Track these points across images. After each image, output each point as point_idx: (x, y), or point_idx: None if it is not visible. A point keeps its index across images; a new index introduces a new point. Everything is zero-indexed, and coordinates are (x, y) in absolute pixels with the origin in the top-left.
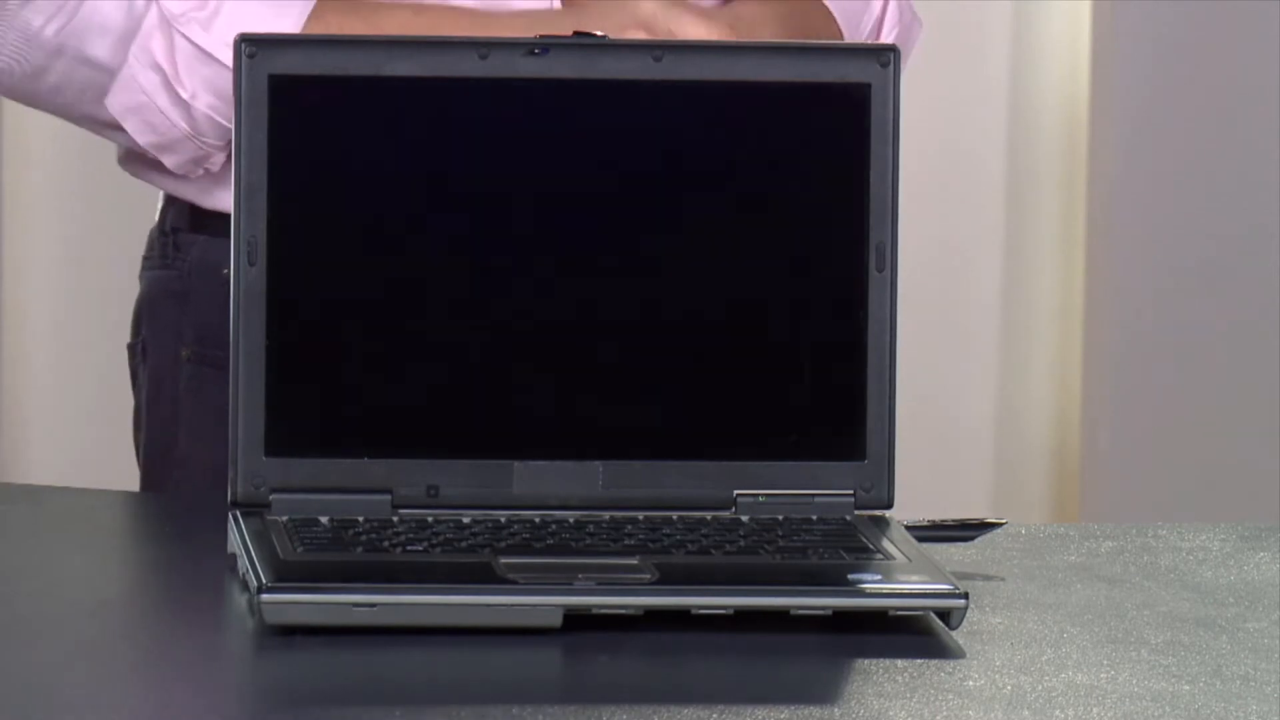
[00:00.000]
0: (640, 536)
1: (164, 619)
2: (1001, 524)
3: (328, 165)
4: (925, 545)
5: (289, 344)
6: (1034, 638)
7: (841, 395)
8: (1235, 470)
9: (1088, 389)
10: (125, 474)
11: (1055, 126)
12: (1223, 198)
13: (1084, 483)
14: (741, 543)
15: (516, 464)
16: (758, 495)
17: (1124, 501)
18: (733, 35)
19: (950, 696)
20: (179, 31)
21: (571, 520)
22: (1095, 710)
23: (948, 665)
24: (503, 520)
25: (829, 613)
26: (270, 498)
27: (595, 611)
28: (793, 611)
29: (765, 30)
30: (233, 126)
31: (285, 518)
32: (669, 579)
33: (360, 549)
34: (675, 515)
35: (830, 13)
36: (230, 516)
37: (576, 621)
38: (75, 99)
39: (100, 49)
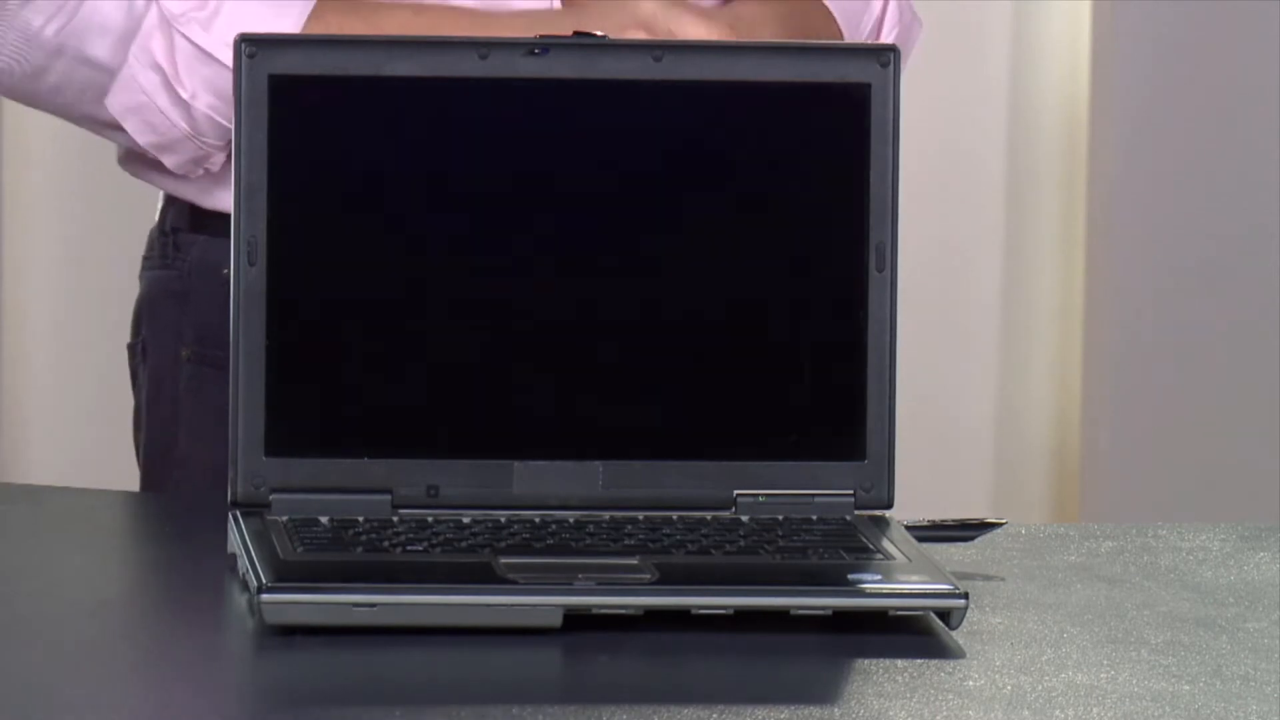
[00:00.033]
0: (640, 536)
1: (164, 619)
2: (1001, 524)
3: (328, 165)
4: (925, 545)
5: (289, 344)
6: (1034, 638)
7: (841, 395)
8: (1235, 470)
9: (1088, 389)
10: (125, 474)
11: (1055, 126)
12: (1223, 198)
13: (1084, 483)
14: (741, 543)
15: (516, 464)
16: (758, 495)
17: (1124, 501)
18: (733, 35)
19: (950, 696)
20: (179, 31)
21: (571, 520)
22: (1095, 710)
23: (948, 665)
24: (503, 520)
25: (829, 613)
26: (270, 498)
27: (595, 611)
28: (793, 611)
29: (765, 30)
30: (233, 126)
31: (285, 518)
32: (669, 579)
33: (360, 549)
34: (675, 515)
35: (830, 13)
36: (230, 516)
37: (576, 621)
38: (75, 99)
39: (100, 49)
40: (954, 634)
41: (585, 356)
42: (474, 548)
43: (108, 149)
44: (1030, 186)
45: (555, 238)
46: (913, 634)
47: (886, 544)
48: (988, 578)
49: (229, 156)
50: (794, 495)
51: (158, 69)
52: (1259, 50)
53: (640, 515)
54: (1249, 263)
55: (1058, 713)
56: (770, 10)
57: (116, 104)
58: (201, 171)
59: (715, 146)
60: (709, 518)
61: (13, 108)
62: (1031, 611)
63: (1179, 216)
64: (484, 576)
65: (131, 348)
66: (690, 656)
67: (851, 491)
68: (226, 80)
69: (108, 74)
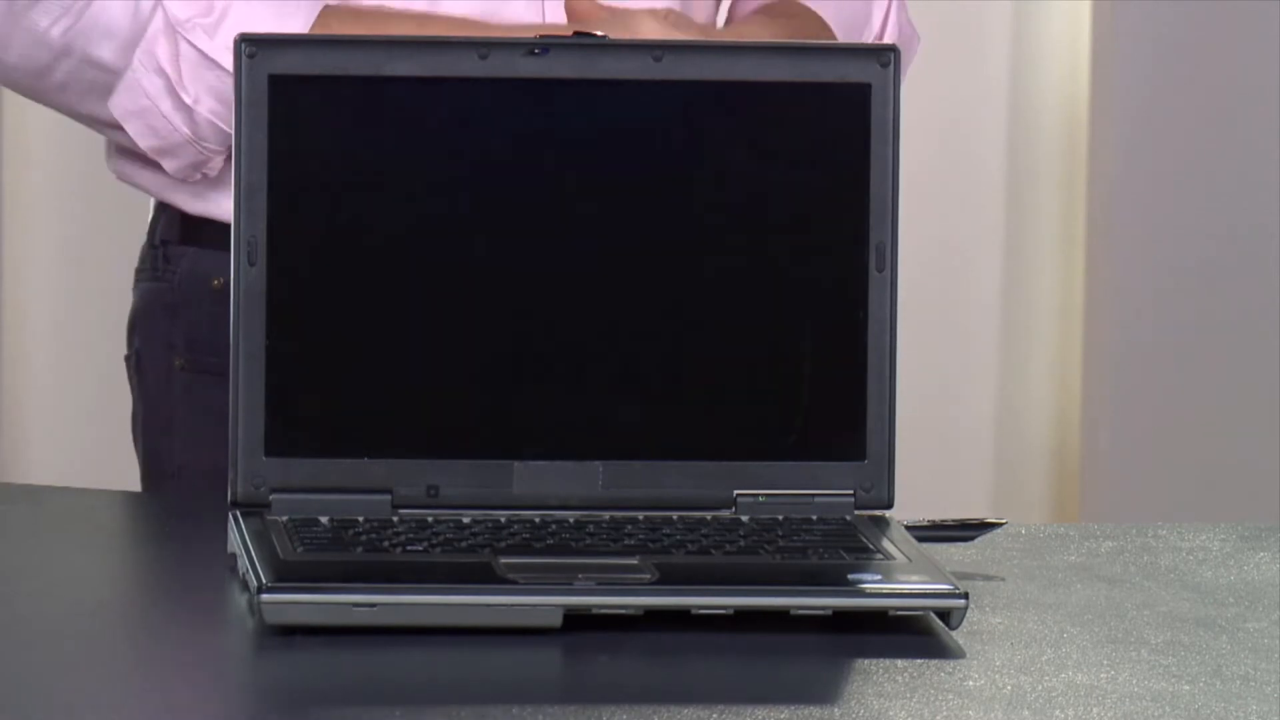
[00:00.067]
0: (640, 536)
1: (164, 619)
2: (1001, 524)
3: (328, 165)
4: (925, 545)
5: (289, 344)
6: (1034, 638)
7: (841, 395)
8: (1235, 470)
9: (1088, 389)
10: (125, 474)
11: (1055, 126)
12: (1223, 198)
13: (1084, 483)
14: (741, 543)
15: (516, 464)
16: (758, 495)
17: (1124, 501)
18: None
19: (950, 696)
20: (184, 37)
21: (571, 520)
22: (1095, 710)
23: (948, 665)
24: (503, 520)
25: (829, 613)
26: (270, 498)
27: (595, 611)
28: (793, 611)
29: None
30: (231, 130)
31: (285, 518)
32: (669, 579)
33: (360, 549)
34: (675, 515)
35: (831, 31)
36: (230, 516)
37: (576, 621)
38: (79, 98)
39: (106, 51)
40: (954, 634)
41: (585, 356)
42: (474, 548)
43: (105, 160)
44: (1030, 186)
45: (555, 238)
46: (913, 634)
47: (886, 544)
48: (988, 578)
49: (227, 161)
50: (794, 495)
51: (161, 74)
52: (1259, 50)
53: (640, 515)
54: (1249, 263)
55: (1058, 713)
56: (772, 29)
57: (119, 106)
58: (200, 176)
59: (715, 146)
60: (709, 518)
61: (13, 109)
62: (1031, 611)
63: (1179, 216)
64: (484, 576)
65: (127, 359)
66: (690, 656)
67: (851, 491)
68: (229, 86)
69: (113, 75)
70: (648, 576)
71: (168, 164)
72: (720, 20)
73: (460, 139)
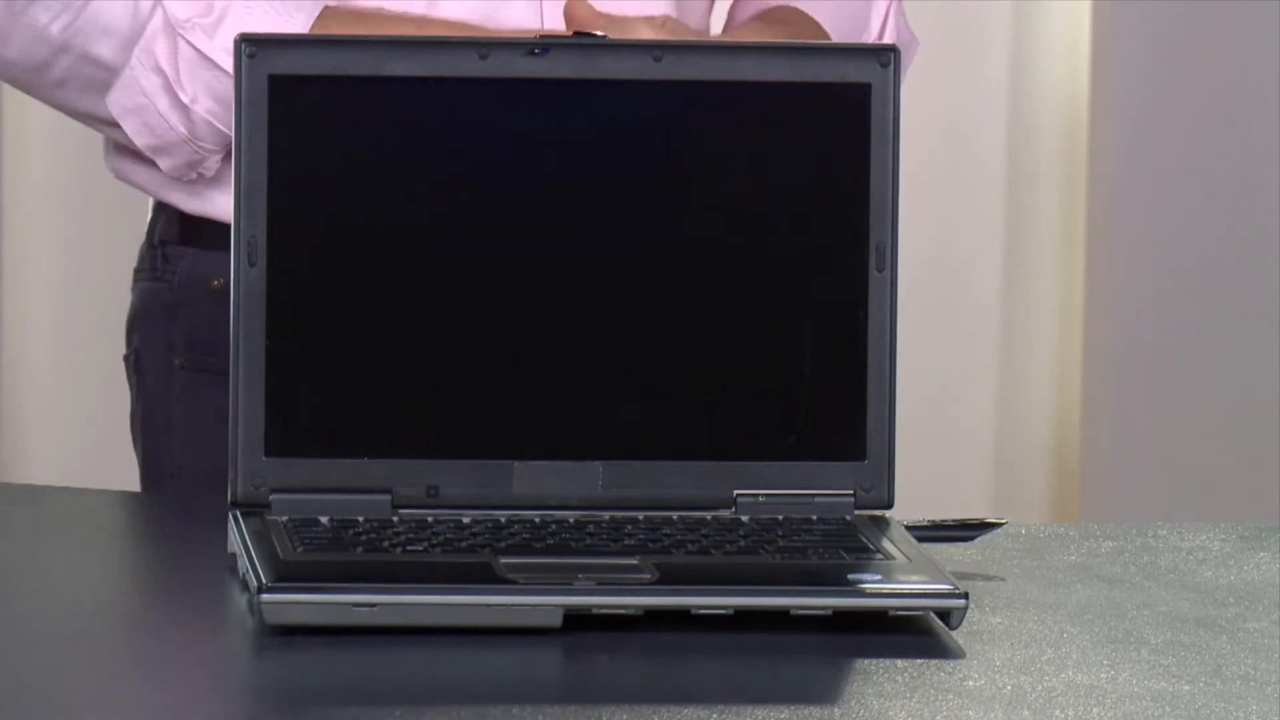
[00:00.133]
0: (640, 536)
1: (164, 619)
2: (1001, 524)
3: (328, 165)
4: (925, 545)
5: (289, 344)
6: (1034, 638)
7: (841, 395)
8: (1235, 470)
9: (1088, 389)
10: (125, 474)
11: (1055, 126)
12: (1223, 198)
13: (1084, 483)
14: (741, 543)
15: (516, 464)
16: (758, 495)
17: (1124, 501)
18: None
19: (950, 696)
20: (183, 37)
21: (571, 520)
22: (1095, 710)
23: (948, 665)
24: (503, 520)
25: (829, 613)
26: (270, 498)
27: (595, 611)
28: (793, 611)
29: None
30: (229, 130)
31: (285, 518)
32: (669, 579)
33: (360, 549)
34: (675, 515)
35: (827, 35)
36: (230, 516)
37: (576, 621)
38: (77, 95)
39: (105, 49)
40: (954, 634)
41: (585, 356)
42: (474, 548)
43: (104, 159)
44: (1030, 186)
45: (555, 238)
46: (913, 634)
47: (886, 544)
48: (988, 578)
49: (221, 160)
50: (794, 495)
51: (159, 72)
52: (1259, 50)
53: (640, 515)
54: (1249, 263)
55: (1058, 713)
56: (768, 36)
57: (117, 103)
58: (195, 175)
59: (715, 146)
60: (709, 518)
61: (13, 109)
62: (1031, 611)
63: (1179, 216)
64: (484, 576)
65: (126, 358)
66: (690, 656)
67: (851, 491)
68: (227, 86)
69: (111, 73)
70: (648, 576)
71: (163, 162)
72: (716, 26)
73: (460, 139)
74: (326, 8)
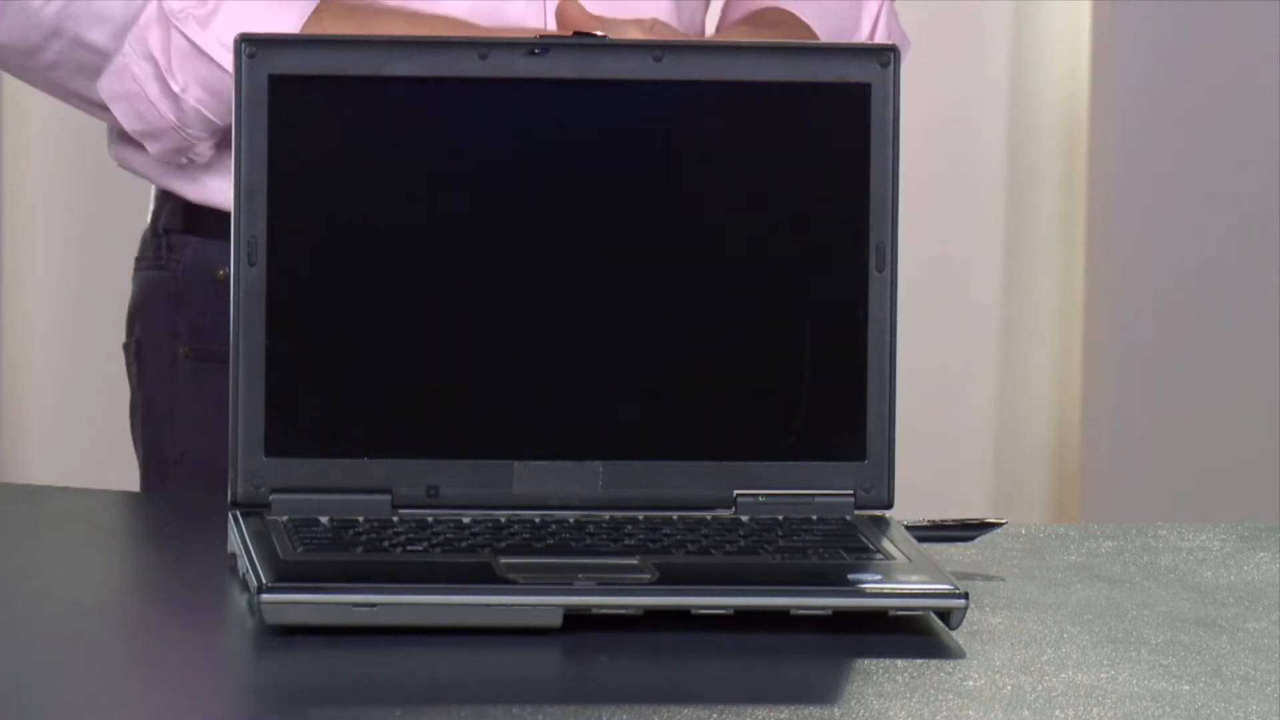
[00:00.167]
0: (640, 536)
1: (164, 619)
2: (1001, 524)
3: (328, 165)
4: (925, 545)
5: (289, 344)
6: (1034, 638)
7: (841, 395)
8: (1235, 470)
9: (1088, 389)
10: (125, 474)
11: (1055, 126)
12: (1223, 198)
13: (1084, 483)
14: (741, 543)
15: (516, 464)
16: (758, 495)
17: (1124, 501)
18: None
19: (950, 696)
20: (176, 28)
21: (571, 520)
22: (1095, 710)
23: (948, 665)
24: (503, 520)
25: (829, 613)
26: (270, 498)
27: (595, 611)
28: (793, 611)
29: None
30: (219, 120)
31: (285, 518)
32: (669, 579)
33: (360, 549)
34: (675, 515)
35: (816, 37)
36: (230, 516)
37: (576, 621)
38: (67, 78)
39: (98, 34)
40: (954, 634)
41: (585, 356)
42: (474, 548)
43: (107, 147)
44: (1030, 186)
45: (555, 238)
46: (913, 634)
47: (886, 544)
48: (988, 578)
49: (212, 147)
50: (794, 495)
51: (151, 60)
52: (1259, 50)
53: (640, 515)
54: (1249, 263)
55: (1058, 713)
56: (756, 38)
57: (107, 88)
58: (184, 160)
59: (715, 146)
60: (709, 518)
61: (13, 108)
62: (1031, 611)
63: (1179, 216)
64: (484, 576)
65: (126, 347)
66: (690, 656)
67: (851, 491)
68: (218, 77)
69: (103, 58)
70: (648, 576)
71: (151, 147)
72: (710, 27)
73: (460, 139)
74: (322, 1)
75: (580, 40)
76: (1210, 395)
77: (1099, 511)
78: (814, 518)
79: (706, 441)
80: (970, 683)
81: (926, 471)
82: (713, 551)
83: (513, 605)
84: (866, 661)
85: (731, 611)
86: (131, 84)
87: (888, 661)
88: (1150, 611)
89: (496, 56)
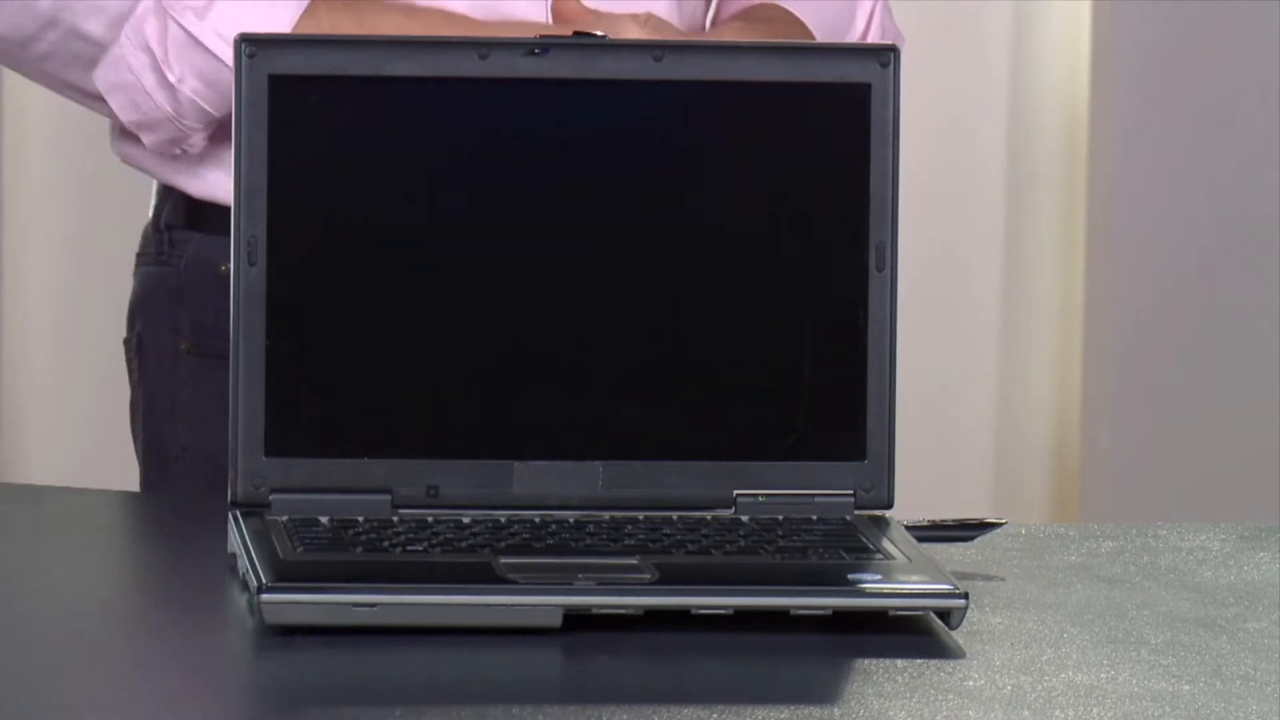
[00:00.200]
0: (640, 536)
1: (164, 619)
2: (1001, 524)
3: (328, 165)
4: (925, 545)
5: (289, 344)
6: (1034, 638)
7: (841, 395)
8: (1235, 470)
9: (1088, 389)
10: (125, 474)
11: (1055, 126)
12: (1222, 198)
13: (1084, 483)
14: (741, 543)
15: (516, 464)
16: (758, 495)
17: (1124, 501)
18: None
19: (950, 696)
20: (173, 18)
21: (571, 520)
22: (1095, 710)
23: (948, 665)
24: (503, 520)
25: (829, 613)
26: (270, 498)
27: (595, 611)
28: (793, 611)
29: None
30: (215, 111)
31: (285, 518)
32: (669, 579)
33: (360, 549)
34: (675, 515)
35: (811, 35)
36: (230, 516)
37: (576, 621)
38: (62, 68)
39: (94, 25)
40: (954, 634)
41: (585, 356)
42: (474, 548)
43: (107, 146)
44: (1030, 186)
45: (555, 238)
46: (913, 634)
47: (886, 544)
48: (988, 578)
49: (206, 138)
50: (794, 495)
51: (148, 51)
52: (1259, 50)
53: (640, 515)
54: (1249, 263)
55: (1058, 713)
56: (750, 35)
57: (103, 79)
58: (179, 151)
59: (715, 146)
60: (709, 518)
61: (13, 107)
62: (1031, 611)
63: (1179, 216)
64: (484, 576)
65: (127, 342)
66: (690, 656)
67: (851, 491)
68: (215, 68)
69: (99, 49)
70: (648, 576)
71: (146, 138)
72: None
73: (460, 139)
74: None
75: (580, 40)
76: (1210, 395)
77: (1099, 511)
78: (814, 518)
79: (706, 441)
80: (970, 683)
81: (926, 471)
82: (713, 551)
83: (513, 605)
84: (866, 661)
85: (731, 611)
86: (128, 75)
87: (888, 661)
88: (1150, 611)
89: (496, 56)
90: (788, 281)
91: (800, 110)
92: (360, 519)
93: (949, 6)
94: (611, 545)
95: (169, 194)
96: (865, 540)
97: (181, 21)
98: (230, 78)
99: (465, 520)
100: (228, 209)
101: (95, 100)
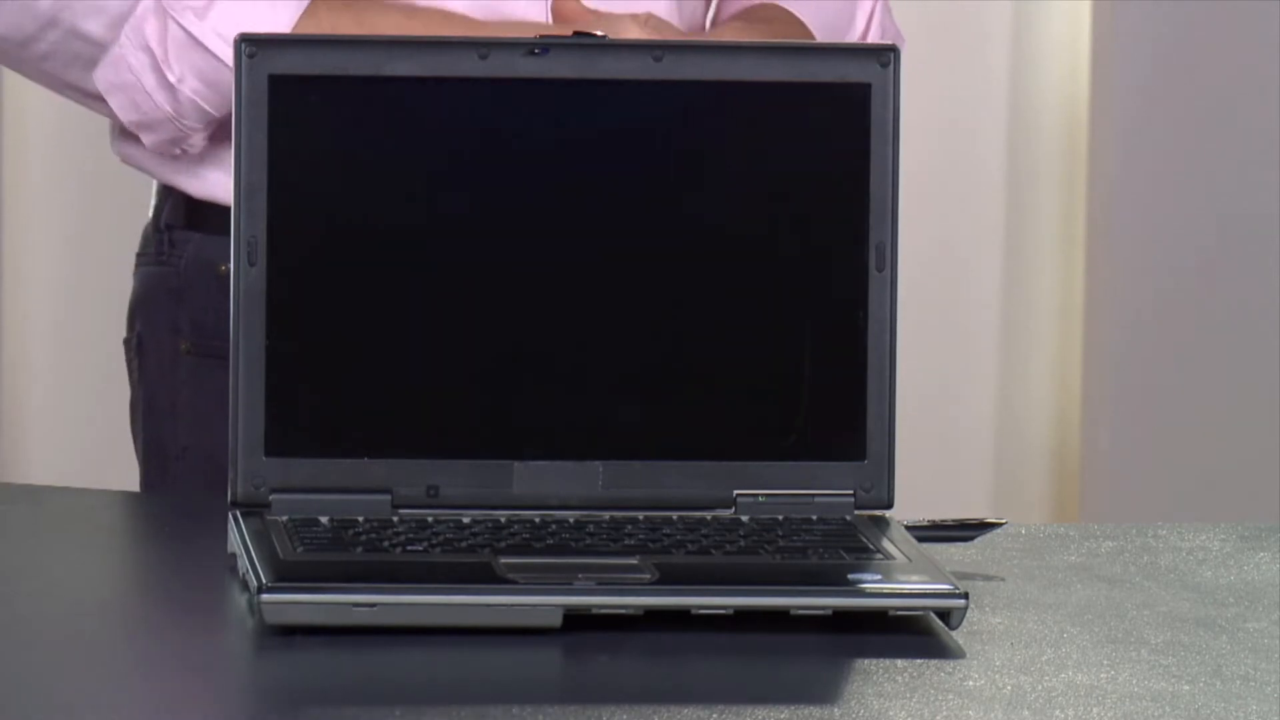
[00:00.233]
0: (640, 536)
1: (164, 619)
2: (1001, 524)
3: (328, 165)
4: (925, 545)
5: (289, 344)
6: (1034, 638)
7: (841, 395)
8: (1235, 470)
9: (1088, 389)
10: (125, 474)
11: (1055, 126)
12: (1222, 198)
13: (1084, 483)
14: (741, 543)
15: (516, 464)
16: (758, 495)
17: (1124, 501)
18: None
19: (950, 696)
20: (173, 18)
21: (571, 520)
22: (1095, 710)
23: (948, 665)
24: (503, 520)
25: (829, 613)
26: (270, 498)
27: (595, 611)
28: (793, 611)
29: None
30: (215, 111)
31: (285, 518)
32: (669, 579)
33: (360, 549)
34: (675, 515)
35: (811, 34)
36: (230, 516)
37: (576, 621)
38: (62, 68)
39: (94, 25)
40: (954, 634)
41: (585, 356)
42: (474, 548)
43: (107, 146)
44: (1030, 186)
45: (555, 238)
46: (913, 634)
47: (886, 544)
48: (988, 578)
49: (205, 138)
50: (794, 495)
51: (148, 51)
52: (1259, 50)
53: (640, 515)
54: (1249, 263)
55: (1058, 713)
56: (749, 35)
57: (103, 79)
58: (179, 151)
59: (715, 146)
60: (709, 518)
61: (13, 106)
62: (1031, 611)
63: (1179, 216)
64: (484, 576)
65: (127, 342)
66: (690, 656)
67: (851, 491)
68: (215, 68)
69: (99, 49)
70: (648, 576)
71: (146, 138)
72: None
73: (460, 139)
74: None
75: (580, 40)
76: (1210, 395)
77: (1099, 511)
78: (814, 518)
79: (706, 441)
80: (970, 683)
81: (926, 471)
82: (713, 551)
83: (513, 605)
84: (866, 661)
85: (731, 611)
86: (128, 75)
87: (888, 661)
88: (1150, 611)
89: (496, 56)
90: (788, 282)
91: (800, 110)
92: (360, 519)
93: (949, 6)
94: (611, 545)
95: (169, 194)
96: (865, 540)
97: (181, 21)
98: (230, 78)
99: (465, 520)
100: (228, 209)
101: (95, 100)
